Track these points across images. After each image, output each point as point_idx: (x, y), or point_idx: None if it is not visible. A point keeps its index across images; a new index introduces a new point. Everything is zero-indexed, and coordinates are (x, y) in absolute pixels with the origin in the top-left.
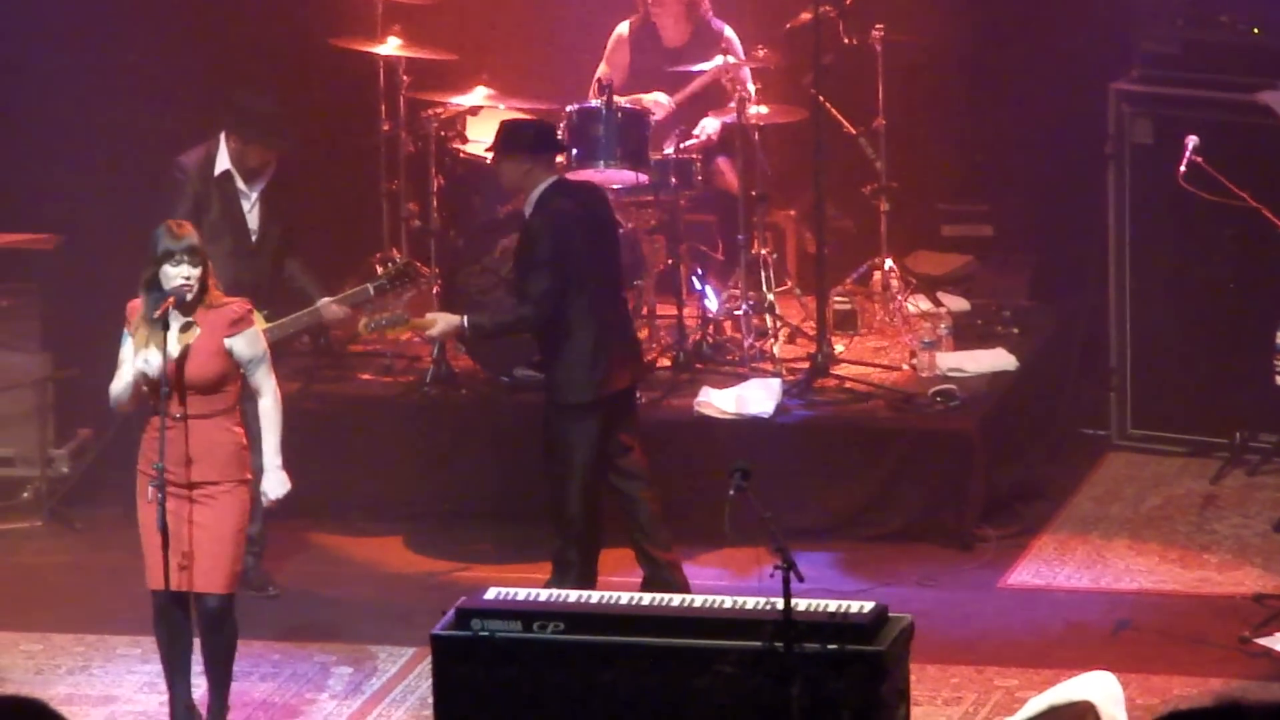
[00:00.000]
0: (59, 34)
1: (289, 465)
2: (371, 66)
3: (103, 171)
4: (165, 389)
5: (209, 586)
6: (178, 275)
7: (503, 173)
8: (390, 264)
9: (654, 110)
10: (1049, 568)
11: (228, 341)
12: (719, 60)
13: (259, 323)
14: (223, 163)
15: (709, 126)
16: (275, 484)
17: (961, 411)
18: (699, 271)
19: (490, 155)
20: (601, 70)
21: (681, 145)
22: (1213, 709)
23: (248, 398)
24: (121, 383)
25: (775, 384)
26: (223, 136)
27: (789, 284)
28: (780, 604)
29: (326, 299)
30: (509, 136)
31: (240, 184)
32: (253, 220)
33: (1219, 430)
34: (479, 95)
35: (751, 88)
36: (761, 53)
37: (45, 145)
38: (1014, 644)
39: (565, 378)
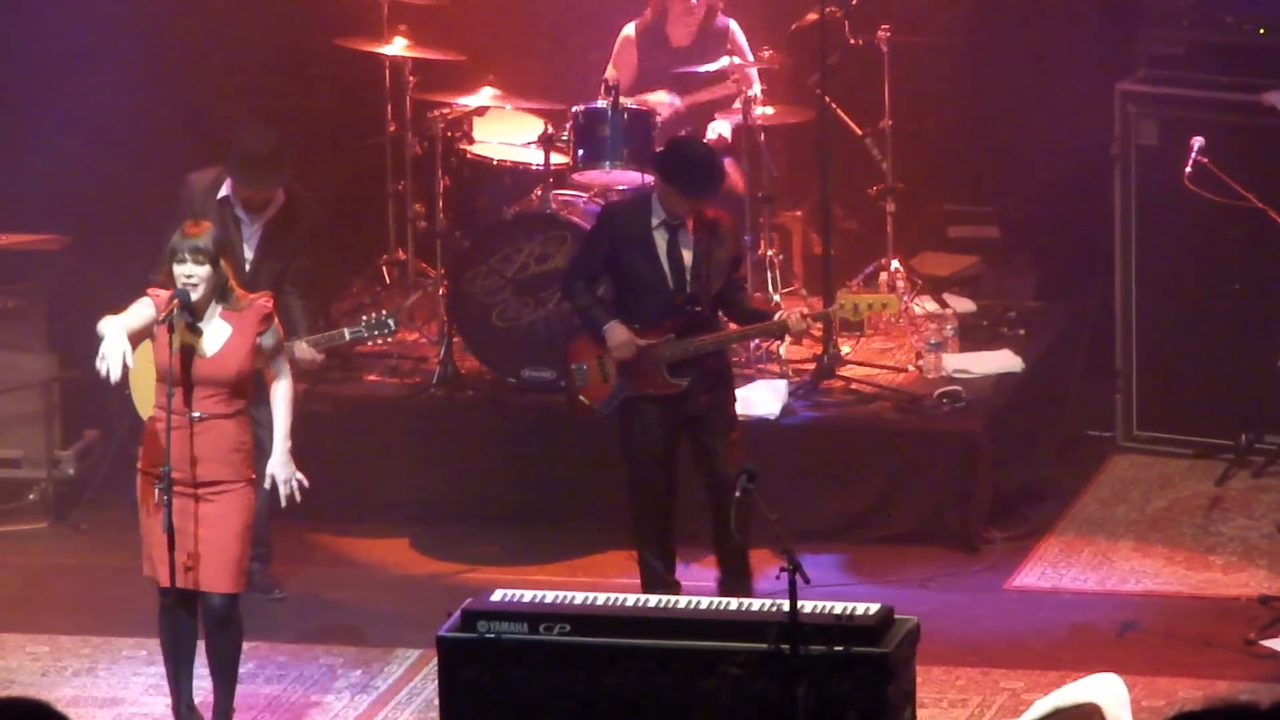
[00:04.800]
0: (65, 35)
1: (296, 466)
2: (378, 67)
3: (109, 172)
4: (171, 389)
5: (215, 586)
6: (181, 274)
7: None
8: (373, 316)
9: (659, 110)
10: (1055, 569)
11: (259, 338)
12: (725, 61)
13: None
14: (225, 188)
15: (721, 128)
16: (281, 465)
17: (967, 413)
18: None
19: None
20: (609, 72)
21: None
22: (1218, 711)
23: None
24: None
25: (781, 385)
26: None
27: (795, 285)
28: (786, 606)
29: (301, 340)
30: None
31: (239, 211)
32: (249, 249)
33: (1225, 432)
34: (485, 96)
35: (757, 87)
36: (767, 53)
37: (51, 146)
38: (1019, 646)
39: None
